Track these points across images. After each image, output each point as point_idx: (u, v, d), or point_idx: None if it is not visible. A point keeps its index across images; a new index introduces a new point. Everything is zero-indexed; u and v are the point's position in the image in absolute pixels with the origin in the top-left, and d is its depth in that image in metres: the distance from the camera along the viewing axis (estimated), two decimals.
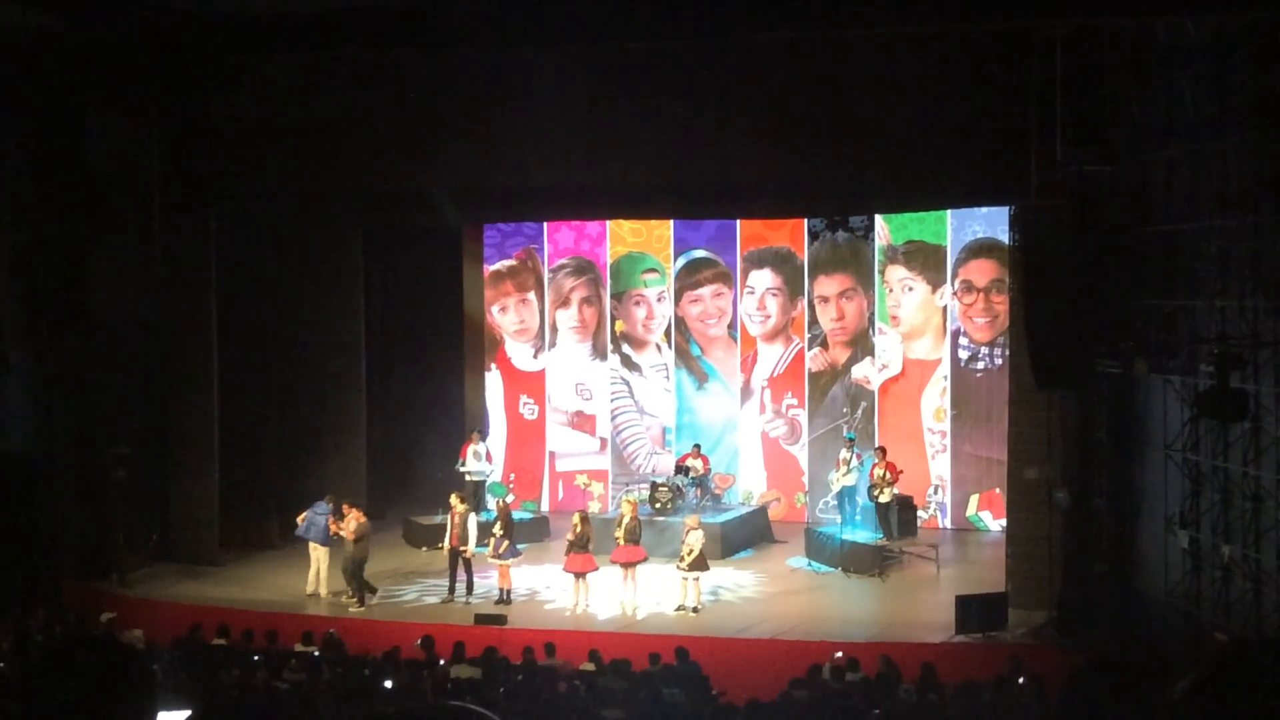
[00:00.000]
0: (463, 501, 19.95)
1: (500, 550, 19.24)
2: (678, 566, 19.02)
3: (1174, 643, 16.14)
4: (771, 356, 24.86)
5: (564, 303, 25.62)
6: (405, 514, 23.29)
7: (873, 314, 24.14)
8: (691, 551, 18.78)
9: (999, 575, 19.07)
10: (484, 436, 23.84)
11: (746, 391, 24.96)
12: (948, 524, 23.72)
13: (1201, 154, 16.08)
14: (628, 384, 25.45)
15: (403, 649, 15.39)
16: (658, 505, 21.94)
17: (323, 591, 19.69)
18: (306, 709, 11.48)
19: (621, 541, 19.03)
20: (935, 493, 23.80)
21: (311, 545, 19.66)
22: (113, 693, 2.80)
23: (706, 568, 19.03)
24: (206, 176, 21.13)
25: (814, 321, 24.51)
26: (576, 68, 18.88)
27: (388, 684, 13.34)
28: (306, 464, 23.42)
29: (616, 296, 25.42)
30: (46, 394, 20.50)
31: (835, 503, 22.53)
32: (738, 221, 24.59)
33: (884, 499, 21.00)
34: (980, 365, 23.56)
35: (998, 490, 22.29)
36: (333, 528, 19.32)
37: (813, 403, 24.59)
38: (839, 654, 15.49)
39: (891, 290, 24.01)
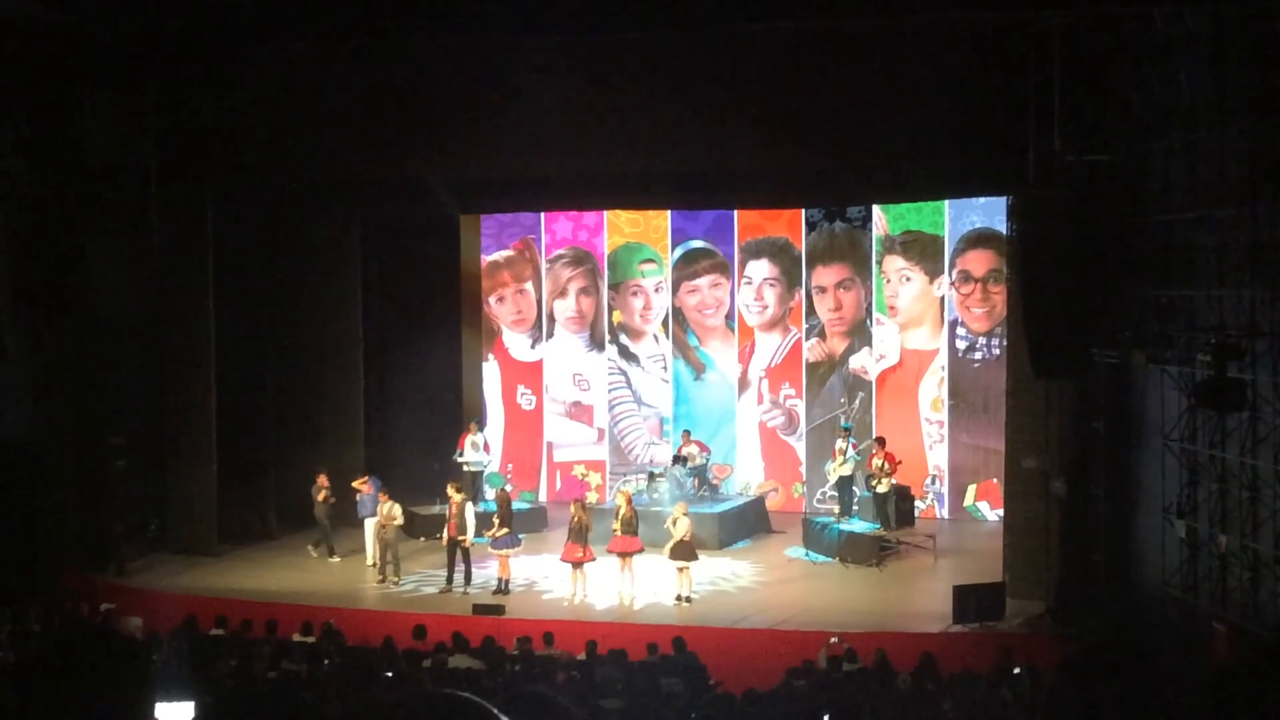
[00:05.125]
0: (460, 491, 20.04)
1: (500, 536, 19.26)
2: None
3: (1171, 632, 16.17)
4: (769, 347, 24.87)
5: (561, 293, 25.62)
6: (403, 504, 23.26)
7: (870, 304, 24.15)
8: (674, 539, 18.86)
9: (996, 565, 19.10)
10: (481, 427, 23.85)
11: (744, 382, 24.97)
12: (945, 514, 23.75)
13: (1199, 144, 16.07)
14: (625, 374, 25.46)
15: (401, 639, 15.41)
16: (655, 496, 21.95)
17: (372, 560, 20.67)
18: (307, 698, 11.48)
19: (619, 532, 19.05)
20: (933, 483, 23.83)
21: (367, 522, 20.79)
22: (111, 684, 2.80)
23: (694, 556, 19.04)
24: (203, 167, 21.12)
25: (811, 312, 24.52)
26: (574, 58, 18.86)
27: (390, 674, 13.34)
28: (304, 454, 23.41)
29: (614, 287, 25.42)
30: (44, 384, 20.51)
31: (834, 493, 22.55)
32: (735, 212, 24.59)
33: (882, 489, 21.02)
34: (978, 355, 23.57)
35: (995, 480, 22.31)
36: (381, 498, 20.45)
37: (810, 393, 24.60)
38: (834, 639, 15.53)
39: (889, 280, 24.02)
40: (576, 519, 19.01)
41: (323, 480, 21.29)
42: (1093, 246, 17.49)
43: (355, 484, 21.20)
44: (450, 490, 19.97)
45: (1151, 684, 2.61)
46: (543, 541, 21.63)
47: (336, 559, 21.23)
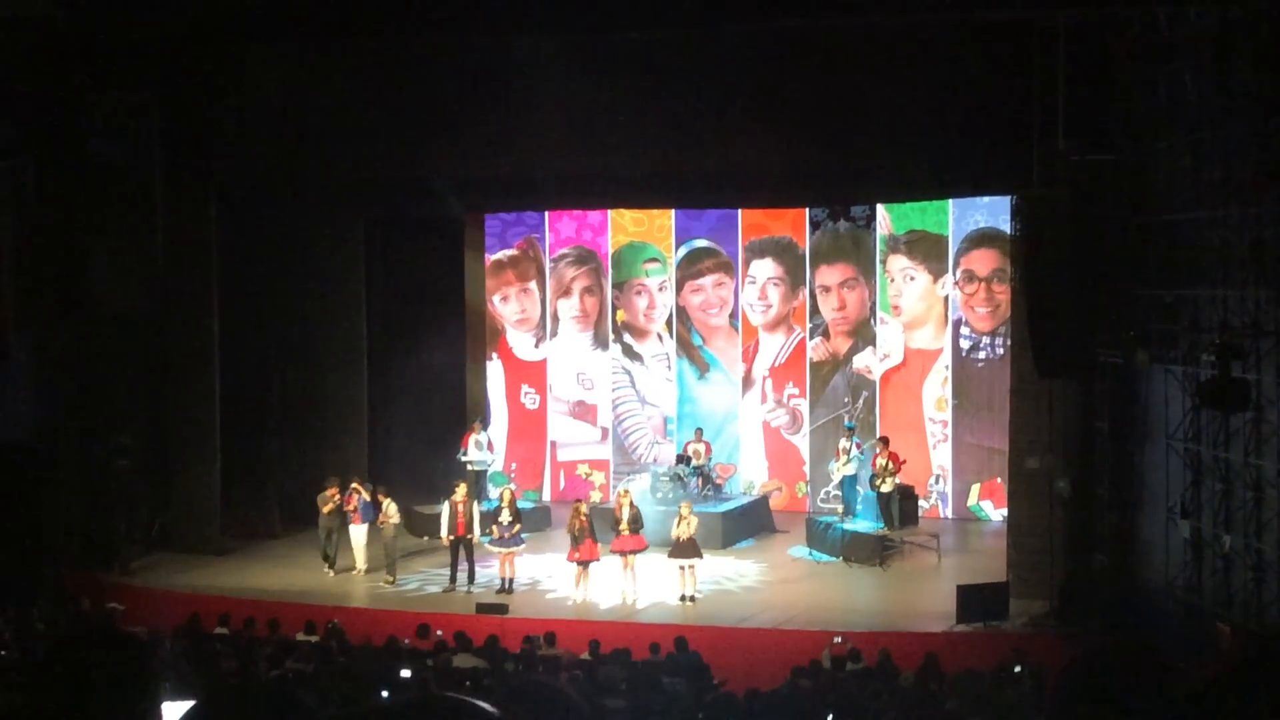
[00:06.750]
0: (465, 491, 20.04)
1: (513, 533, 19.26)
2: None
3: (1175, 633, 16.16)
4: (773, 346, 24.86)
5: (565, 292, 25.62)
6: (407, 503, 23.27)
7: (874, 303, 24.14)
8: (679, 539, 18.88)
9: (1000, 565, 19.09)
10: (485, 426, 23.83)
11: (748, 381, 24.97)
12: (949, 514, 23.74)
13: (1203, 144, 16.06)
14: (629, 374, 25.47)
15: (404, 638, 15.41)
16: (659, 495, 21.93)
17: (361, 565, 20.46)
18: (304, 697, 11.46)
19: (625, 531, 19.03)
20: (936, 482, 23.82)
21: (363, 528, 20.49)
22: (119, 684, 2.80)
23: (698, 555, 19.06)
24: (208, 166, 21.14)
25: (815, 311, 24.51)
26: (578, 57, 18.86)
27: (405, 673, 13.28)
28: (308, 453, 23.45)
29: (618, 286, 25.42)
30: (48, 383, 20.52)
31: (839, 492, 22.54)
32: (739, 211, 24.59)
33: (886, 489, 21.02)
34: (981, 355, 23.56)
35: (999, 480, 22.29)
36: (380, 496, 20.39)
37: (814, 392, 24.60)
38: (838, 639, 15.52)
39: (893, 280, 24.00)
40: (577, 520, 19.00)
41: (333, 492, 20.61)
42: (1097, 246, 17.48)
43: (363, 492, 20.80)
44: (459, 490, 19.92)
45: (1156, 684, 2.61)
46: (546, 541, 21.63)
47: (333, 572, 20.64)
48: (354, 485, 20.60)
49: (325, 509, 20.58)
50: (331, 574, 20.51)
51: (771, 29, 18.40)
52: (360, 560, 20.52)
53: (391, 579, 20.02)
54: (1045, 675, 13.45)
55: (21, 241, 20.08)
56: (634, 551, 18.99)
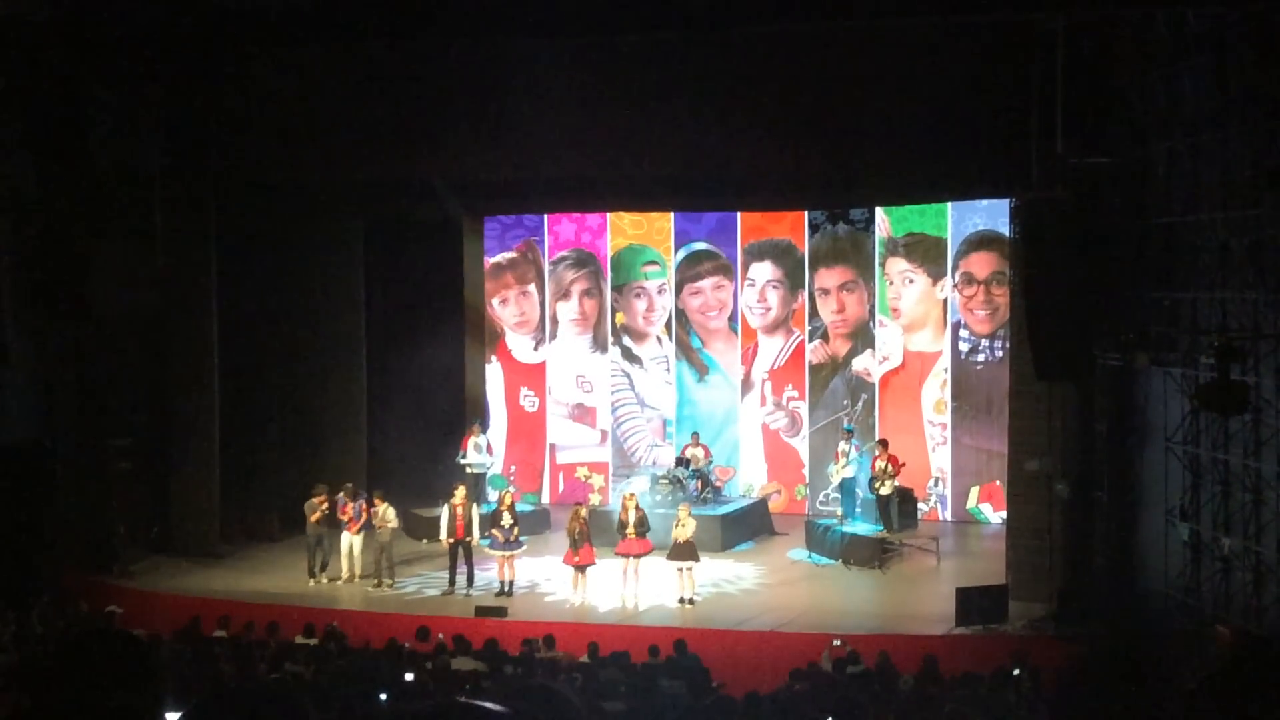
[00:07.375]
0: (464, 493, 20.02)
1: (513, 536, 19.25)
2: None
3: (1174, 635, 16.16)
4: (772, 349, 24.87)
5: (564, 295, 25.63)
6: (405, 506, 23.27)
7: (873, 306, 24.15)
8: (676, 541, 18.89)
9: (999, 567, 19.10)
10: (485, 429, 23.82)
11: (747, 384, 24.98)
12: (948, 516, 23.74)
13: (1202, 146, 16.07)
14: (628, 376, 25.47)
15: (404, 641, 15.40)
16: (657, 498, 21.92)
17: (358, 572, 20.20)
18: (310, 700, 11.43)
19: (632, 534, 18.97)
20: (936, 485, 23.83)
21: (348, 534, 20.25)
22: (125, 686, 2.80)
23: (695, 558, 19.05)
24: (208, 169, 21.15)
25: (814, 314, 24.53)
26: (578, 60, 18.87)
27: (409, 676, 13.27)
28: (307, 456, 23.44)
29: (617, 289, 25.43)
30: (48, 386, 20.51)
31: (838, 495, 22.54)
32: (738, 214, 24.61)
33: (885, 491, 21.02)
34: (981, 357, 23.57)
35: (998, 482, 22.31)
36: (376, 500, 20.15)
37: (813, 395, 24.61)
38: (837, 641, 15.53)
39: (892, 283, 24.02)
40: (576, 523, 18.98)
41: (321, 500, 20.26)
42: (1095, 249, 17.50)
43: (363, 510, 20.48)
44: (458, 492, 19.88)
45: (1154, 686, 2.63)
46: (545, 544, 21.63)
47: (325, 579, 20.36)
48: (343, 495, 20.35)
49: (313, 517, 20.23)
50: (314, 584, 20.15)
51: (770, 32, 18.41)
52: (353, 568, 20.25)
53: (390, 582, 19.97)
54: (1044, 678, 13.46)
55: (21, 242, 20.07)
56: (639, 555, 18.97)
